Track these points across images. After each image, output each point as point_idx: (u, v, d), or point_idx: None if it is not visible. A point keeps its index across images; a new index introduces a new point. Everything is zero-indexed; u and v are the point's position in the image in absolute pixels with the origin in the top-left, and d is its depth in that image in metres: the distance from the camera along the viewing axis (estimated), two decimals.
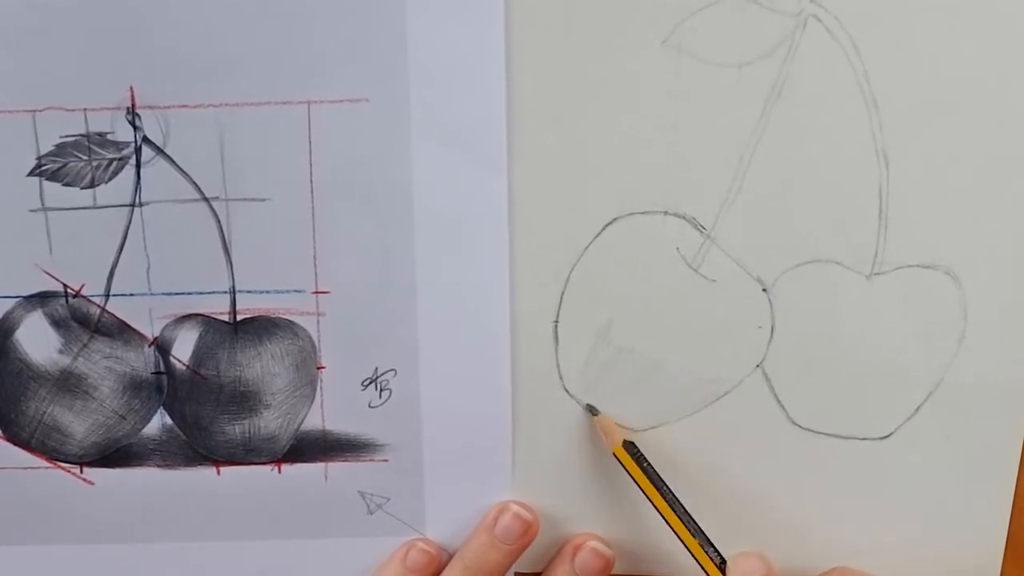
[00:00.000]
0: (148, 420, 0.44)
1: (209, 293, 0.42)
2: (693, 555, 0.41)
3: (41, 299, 0.42)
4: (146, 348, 0.43)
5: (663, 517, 0.41)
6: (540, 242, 0.42)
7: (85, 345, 0.43)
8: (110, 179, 0.41)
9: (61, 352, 0.43)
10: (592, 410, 0.43)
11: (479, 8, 0.39)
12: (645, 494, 0.41)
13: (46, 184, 0.41)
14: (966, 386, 0.43)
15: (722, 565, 0.41)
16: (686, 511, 0.41)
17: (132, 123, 0.40)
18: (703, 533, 0.41)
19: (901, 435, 0.44)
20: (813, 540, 0.45)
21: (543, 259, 0.42)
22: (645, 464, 0.42)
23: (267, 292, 0.42)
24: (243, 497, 0.45)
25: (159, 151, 0.41)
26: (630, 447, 0.42)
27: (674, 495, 0.41)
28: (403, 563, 0.45)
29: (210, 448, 0.44)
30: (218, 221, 0.41)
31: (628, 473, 0.42)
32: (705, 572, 0.41)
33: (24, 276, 0.42)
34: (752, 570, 0.40)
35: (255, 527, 0.45)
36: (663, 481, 0.41)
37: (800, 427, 0.43)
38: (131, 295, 0.42)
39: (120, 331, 0.43)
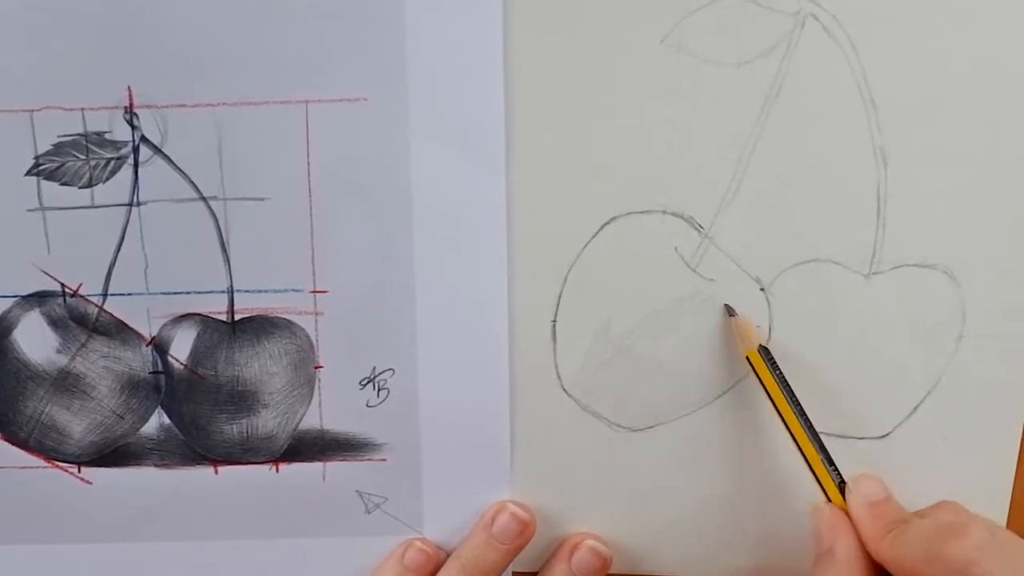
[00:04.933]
0: (146, 419, 0.44)
1: (207, 292, 0.42)
2: (814, 472, 0.40)
3: (39, 299, 0.42)
4: (144, 347, 0.43)
5: (787, 429, 0.40)
6: (539, 241, 0.42)
7: (83, 345, 0.43)
8: (108, 178, 0.41)
9: (59, 351, 0.43)
10: (730, 310, 0.42)
11: (478, 8, 0.39)
12: (773, 403, 0.41)
13: (44, 183, 0.41)
14: (964, 385, 0.43)
15: (842, 485, 0.40)
16: (812, 427, 0.40)
17: (130, 122, 0.40)
18: (826, 451, 0.40)
19: (899, 434, 0.44)
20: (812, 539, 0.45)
21: (542, 258, 0.42)
22: (778, 372, 0.41)
23: (265, 291, 0.42)
24: (241, 496, 0.45)
25: (157, 150, 0.40)
26: (764, 352, 0.41)
27: (802, 408, 0.40)
28: (401, 562, 0.45)
29: (208, 447, 0.44)
30: (216, 220, 0.41)
31: (759, 379, 0.41)
32: (824, 491, 0.40)
33: (22, 276, 0.42)
34: (872, 492, 0.39)
35: (253, 526, 0.45)
36: (792, 392, 0.41)
37: None
38: (129, 295, 0.42)
39: (118, 330, 0.43)
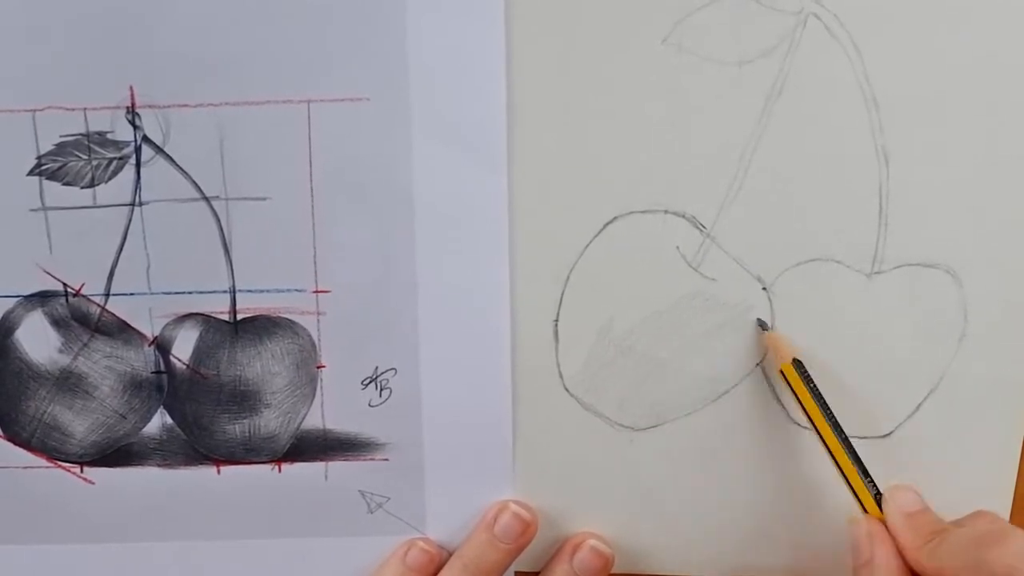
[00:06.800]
0: (148, 419, 0.44)
1: (209, 292, 0.42)
2: (850, 484, 0.40)
3: (41, 298, 0.42)
4: (146, 347, 0.43)
5: (823, 442, 0.41)
6: (540, 241, 0.42)
7: (85, 344, 0.43)
8: (110, 178, 0.41)
9: (61, 351, 0.43)
10: (763, 325, 0.42)
11: (479, 7, 0.39)
12: (808, 416, 0.41)
13: (46, 183, 0.41)
14: (966, 384, 0.43)
15: (878, 497, 0.40)
16: (847, 438, 0.40)
17: (132, 122, 0.40)
18: (861, 463, 0.40)
19: (901, 433, 0.44)
20: (814, 539, 0.45)
21: (543, 258, 0.42)
22: (812, 385, 0.41)
23: (267, 291, 0.42)
24: (243, 496, 0.45)
25: (159, 150, 0.41)
26: (798, 366, 0.41)
27: (837, 421, 0.40)
28: (403, 562, 0.45)
29: (210, 447, 0.44)
30: (218, 220, 0.41)
31: (793, 392, 0.41)
32: (860, 503, 0.40)
33: (24, 275, 0.42)
34: (908, 503, 0.39)
35: (255, 526, 0.45)
36: (827, 405, 0.41)
37: (800, 426, 0.43)
38: (131, 294, 0.42)
39: (120, 330, 0.43)
